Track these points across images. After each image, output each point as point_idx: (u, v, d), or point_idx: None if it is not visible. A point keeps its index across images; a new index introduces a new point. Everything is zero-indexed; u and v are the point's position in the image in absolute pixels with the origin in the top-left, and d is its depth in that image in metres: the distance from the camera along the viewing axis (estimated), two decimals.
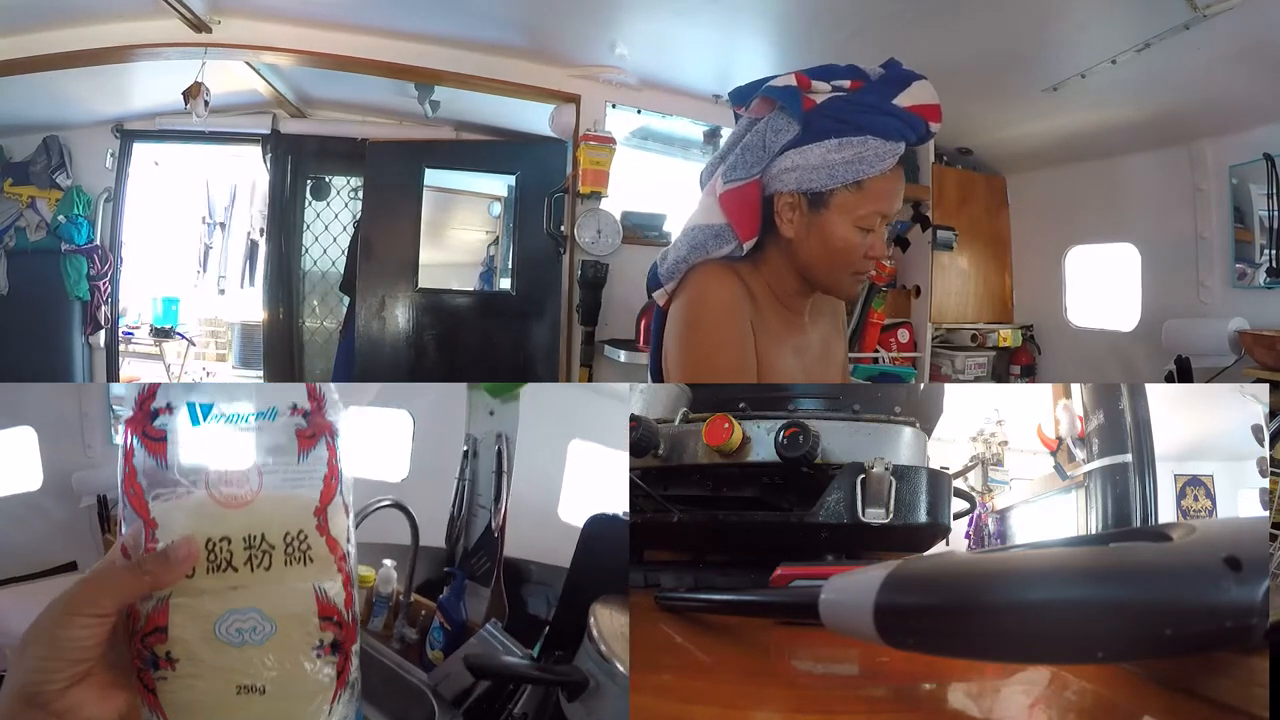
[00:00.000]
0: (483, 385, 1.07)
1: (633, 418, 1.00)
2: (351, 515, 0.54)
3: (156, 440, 0.51)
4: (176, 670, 0.48)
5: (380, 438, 1.65)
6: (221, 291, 5.29)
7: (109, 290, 3.63)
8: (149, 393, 0.52)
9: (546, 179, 3.28)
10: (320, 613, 0.51)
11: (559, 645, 1.13)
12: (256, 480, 0.50)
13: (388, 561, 1.55)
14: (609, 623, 0.94)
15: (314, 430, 0.52)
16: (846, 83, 1.04)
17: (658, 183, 3.41)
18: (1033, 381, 3.23)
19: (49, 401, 1.76)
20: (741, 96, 1.10)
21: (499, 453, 1.47)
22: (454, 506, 1.57)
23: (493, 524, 1.49)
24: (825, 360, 1.21)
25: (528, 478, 1.47)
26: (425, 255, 3.56)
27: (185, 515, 0.50)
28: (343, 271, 3.81)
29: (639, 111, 3.14)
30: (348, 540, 0.52)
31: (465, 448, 1.53)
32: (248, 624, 0.49)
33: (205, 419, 0.51)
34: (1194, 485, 1.73)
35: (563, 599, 1.20)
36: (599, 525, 1.17)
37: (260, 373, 4.51)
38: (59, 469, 1.75)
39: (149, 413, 0.52)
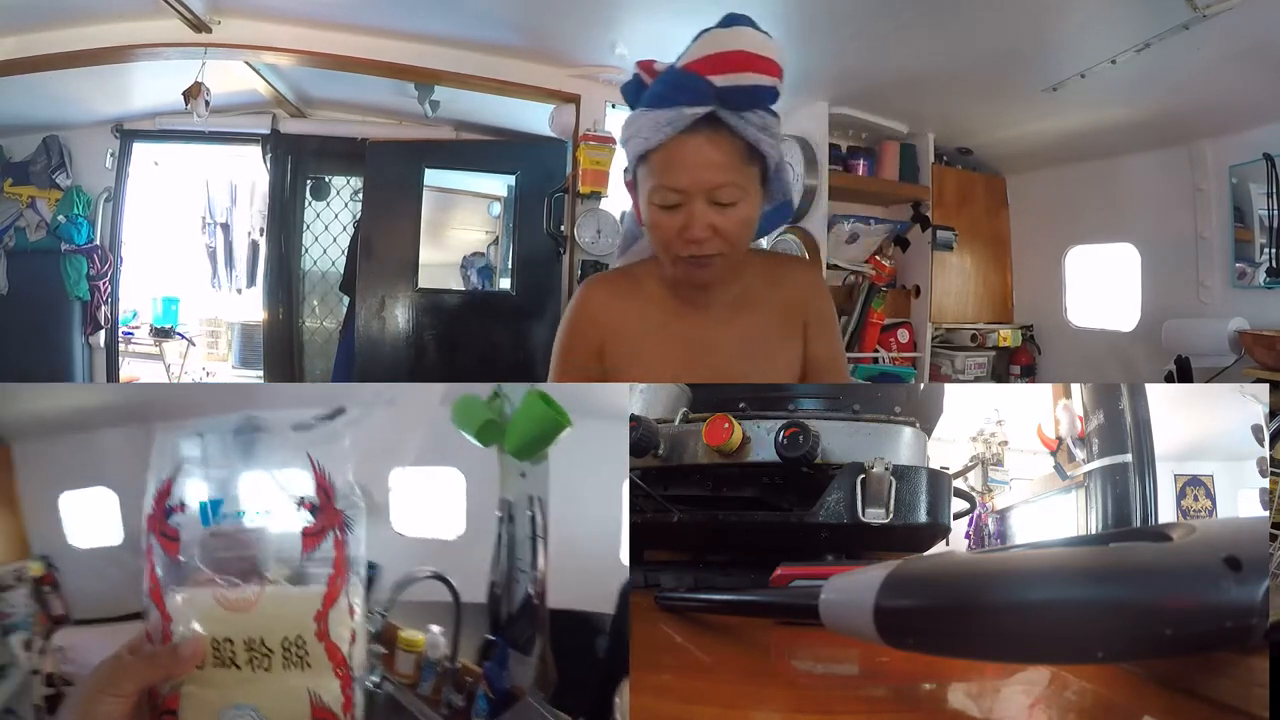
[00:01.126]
0: (509, 446, 1.02)
1: (633, 418, 1.00)
2: (360, 614, 0.54)
3: (171, 540, 0.54)
4: None
5: (431, 495, 1.58)
6: (239, 291, 5.29)
7: (109, 290, 3.63)
8: (165, 489, 0.55)
9: (546, 179, 3.28)
10: (314, 716, 0.53)
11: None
12: (258, 585, 0.52)
13: (435, 628, 1.48)
14: None
15: (321, 525, 0.54)
16: None
17: None
18: (1033, 381, 3.23)
19: (125, 461, 1.84)
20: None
21: (533, 518, 1.42)
22: (493, 573, 1.51)
23: (531, 591, 1.44)
24: (747, 358, 1.12)
25: (578, 526, 1.40)
26: (425, 255, 3.56)
27: (195, 613, 0.52)
28: (343, 271, 3.81)
29: None
30: (352, 642, 0.53)
31: (499, 513, 1.48)
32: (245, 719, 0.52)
33: (214, 517, 0.54)
34: (1194, 485, 1.73)
35: (600, 672, 1.14)
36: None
37: (260, 373, 4.51)
38: (134, 526, 1.77)
39: (164, 510, 0.55)
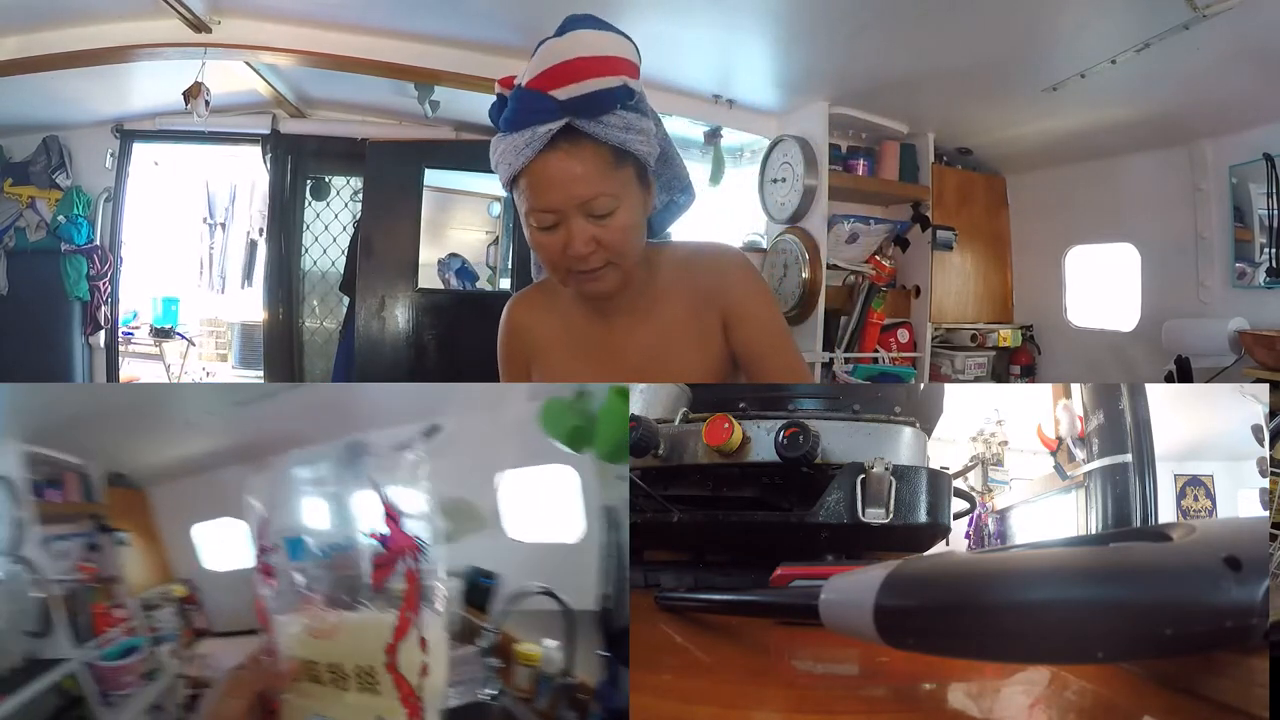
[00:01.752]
0: (599, 450, 0.99)
1: (633, 418, 1.00)
2: (435, 646, 0.57)
3: (269, 575, 0.62)
4: None
5: (545, 498, 1.53)
6: (223, 290, 5.29)
7: (109, 290, 3.62)
8: (261, 529, 0.63)
9: None
10: None
11: None
12: (338, 615, 0.58)
13: (550, 642, 1.44)
14: None
15: (391, 555, 0.57)
16: None
17: None
18: (1033, 381, 3.23)
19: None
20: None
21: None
22: (602, 584, 1.44)
23: None
24: (657, 362, 1.09)
25: None
26: (425, 255, 3.56)
27: (291, 636, 0.60)
28: (343, 271, 3.81)
29: None
30: (422, 674, 0.56)
31: (603, 521, 1.43)
32: None
33: (298, 555, 0.60)
34: (1194, 485, 1.73)
35: None
36: None
37: (260, 373, 4.51)
38: None
39: (263, 549, 0.63)
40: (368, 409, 1.01)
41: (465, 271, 4.21)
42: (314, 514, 0.59)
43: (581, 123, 0.92)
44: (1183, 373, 2.40)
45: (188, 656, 2.02)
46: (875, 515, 0.86)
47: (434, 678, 0.55)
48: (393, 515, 0.57)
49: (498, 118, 0.97)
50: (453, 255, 4.28)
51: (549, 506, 1.47)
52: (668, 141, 1.08)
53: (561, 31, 0.91)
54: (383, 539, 0.57)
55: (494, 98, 0.98)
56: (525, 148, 0.92)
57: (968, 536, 1.93)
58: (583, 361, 1.10)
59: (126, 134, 3.55)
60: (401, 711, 0.55)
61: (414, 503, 0.56)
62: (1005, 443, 2.06)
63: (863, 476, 0.86)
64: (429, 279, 3.58)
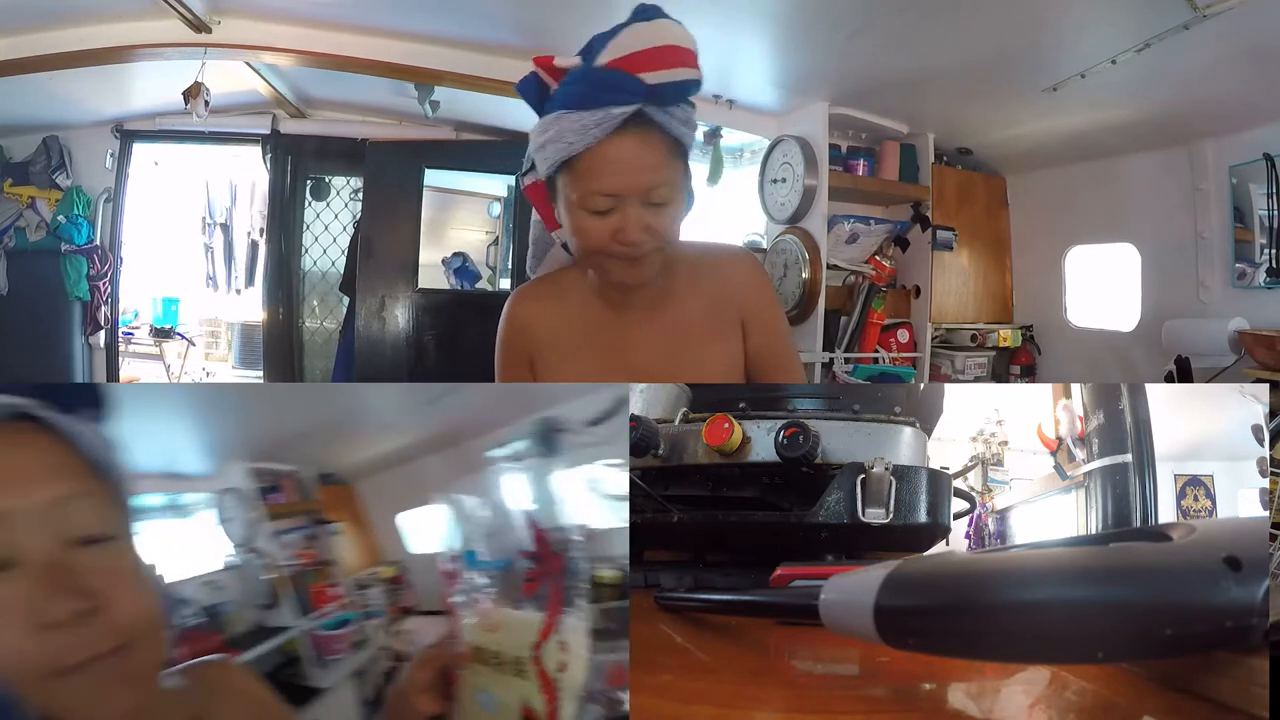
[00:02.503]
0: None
1: (633, 418, 1.00)
2: (575, 647, 0.70)
3: (451, 576, 0.79)
4: (456, 711, 0.73)
5: None
6: (239, 291, 5.29)
7: (109, 290, 3.62)
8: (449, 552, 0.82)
9: None
10: (524, 715, 0.71)
11: None
12: (499, 614, 0.74)
13: None
14: None
15: (539, 571, 0.70)
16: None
17: None
18: (1033, 381, 3.23)
19: (444, 480, 2.24)
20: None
21: None
22: None
23: None
24: (675, 359, 1.09)
25: None
26: (425, 255, 3.56)
27: (468, 626, 0.76)
28: (343, 271, 3.81)
29: None
30: (562, 670, 0.68)
31: None
32: (487, 700, 0.73)
33: (472, 566, 0.77)
34: (1194, 485, 1.73)
35: None
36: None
37: (260, 373, 4.51)
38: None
39: (448, 559, 0.81)
40: (545, 398, 1.10)
41: (465, 271, 4.21)
42: (483, 539, 0.79)
43: (652, 110, 0.92)
44: (1183, 373, 2.40)
45: (393, 631, 2.49)
46: (875, 515, 0.86)
47: (571, 672, 0.66)
48: (541, 537, 0.71)
49: (536, 98, 0.96)
50: (456, 254, 4.28)
51: None
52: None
53: (643, 18, 0.91)
54: (534, 557, 0.71)
55: (526, 78, 0.98)
56: (595, 127, 0.90)
57: (968, 536, 1.94)
58: (594, 358, 1.08)
59: (126, 134, 3.55)
60: (542, 697, 0.68)
61: (564, 526, 0.73)
62: (1005, 443, 2.06)
63: (863, 476, 0.86)
64: (429, 279, 3.58)
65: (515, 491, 0.75)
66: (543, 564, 0.69)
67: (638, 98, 0.90)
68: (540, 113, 0.97)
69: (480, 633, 0.74)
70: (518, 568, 0.71)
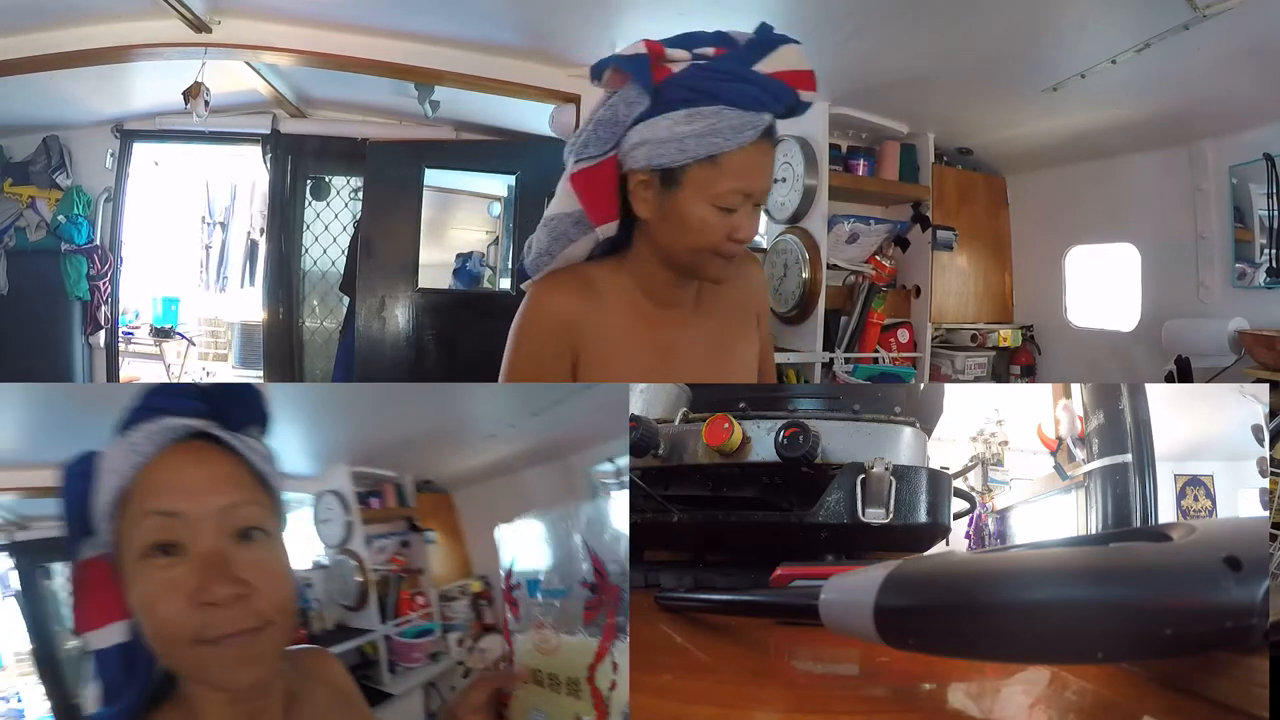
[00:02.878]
0: None
1: (633, 418, 1.00)
2: (623, 668, 0.71)
3: (514, 605, 0.82)
4: None
5: None
6: (223, 289, 5.30)
7: (109, 290, 3.63)
8: (508, 573, 0.84)
9: (546, 179, 3.26)
10: None
11: None
12: (556, 639, 0.76)
13: None
14: None
15: (598, 601, 0.73)
16: (711, 50, 0.95)
17: None
18: (1033, 381, 3.23)
19: (544, 493, 2.36)
20: (596, 70, 0.99)
21: None
22: None
23: None
24: (718, 361, 1.11)
25: None
26: (425, 255, 3.56)
27: (523, 651, 0.79)
28: (343, 271, 3.81)
29: None
30: (612, 689, 0.70)
31: None
32: (540, 719, 0.76)
33: (534, 593, 0.79)
34: (1194, 485, 1.73)
35: None
36: None
37: (260, 373, 4.51)
38: (563, 551, 2.16)
39: (509, 585, 0.83)
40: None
41: (463, 271, 4.22)
42: (543, 569, 0.79)
43: (775, 122, 0.97)
44: (1183, 373, 2.40)
45: (470, 647, 2.48)
46: (875, 515, 0.86)
47: (619, 690, 0.69)
48: (600, 569, 0.72)
49: (649, 81, 0.94)
50: (464, 254, 4.31)
51: None
52: None
53: (771, 42, 0.95)
54: (592, 587, 0.73)
55: (640, 56, 0.95)
56: (749, 128, 0.93)
57: (968, 536, 1.93)
58: (643, 357, 1.06)
59: (126, 134, 3.56)
60: (594, 714, 0.71)
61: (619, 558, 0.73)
62: (1005, 443, 2.06)
63: (863, 476, 0.87)
64: (429, 279, 3.58)
65: (617, 512, 0.74)
66: (601, 595, 0.72)
67: (790, 110, 0.95)
68: (650, 94, 0.94)
69: (537, 656, 0.77)
70: (576, 596, 0.74)
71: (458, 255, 4.29)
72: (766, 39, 0.95)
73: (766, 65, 0.93)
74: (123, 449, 0.63)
